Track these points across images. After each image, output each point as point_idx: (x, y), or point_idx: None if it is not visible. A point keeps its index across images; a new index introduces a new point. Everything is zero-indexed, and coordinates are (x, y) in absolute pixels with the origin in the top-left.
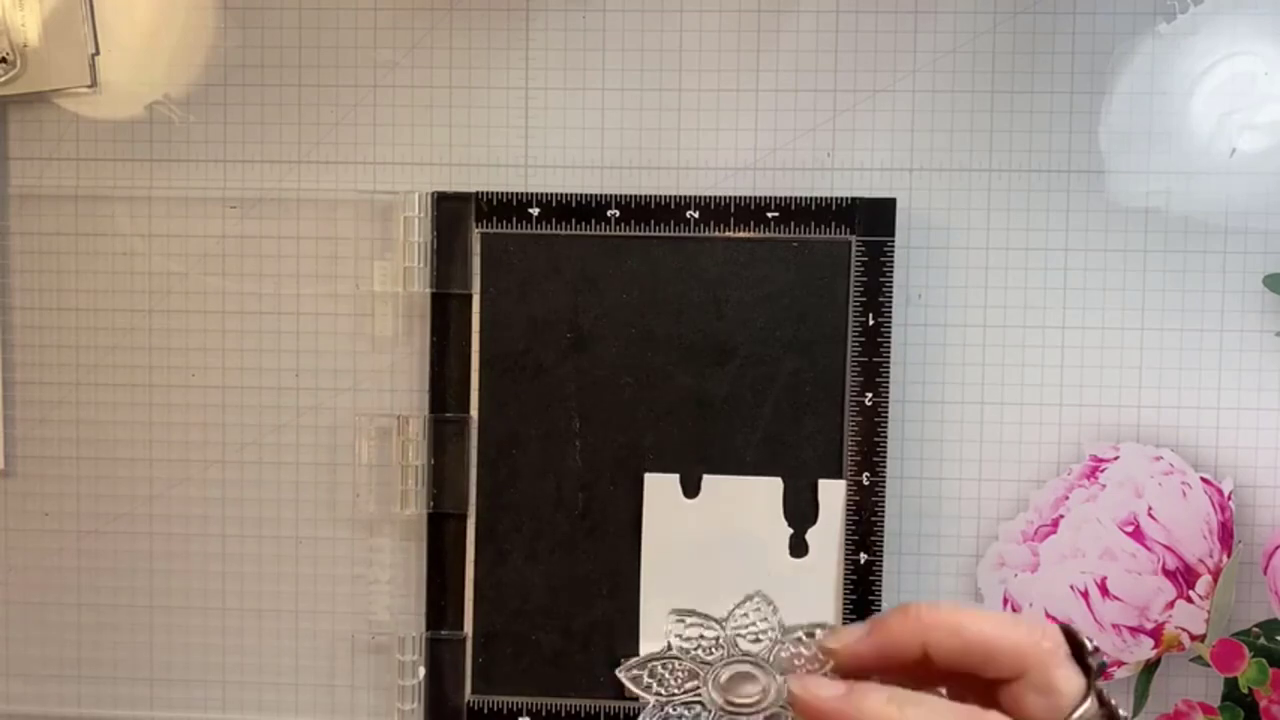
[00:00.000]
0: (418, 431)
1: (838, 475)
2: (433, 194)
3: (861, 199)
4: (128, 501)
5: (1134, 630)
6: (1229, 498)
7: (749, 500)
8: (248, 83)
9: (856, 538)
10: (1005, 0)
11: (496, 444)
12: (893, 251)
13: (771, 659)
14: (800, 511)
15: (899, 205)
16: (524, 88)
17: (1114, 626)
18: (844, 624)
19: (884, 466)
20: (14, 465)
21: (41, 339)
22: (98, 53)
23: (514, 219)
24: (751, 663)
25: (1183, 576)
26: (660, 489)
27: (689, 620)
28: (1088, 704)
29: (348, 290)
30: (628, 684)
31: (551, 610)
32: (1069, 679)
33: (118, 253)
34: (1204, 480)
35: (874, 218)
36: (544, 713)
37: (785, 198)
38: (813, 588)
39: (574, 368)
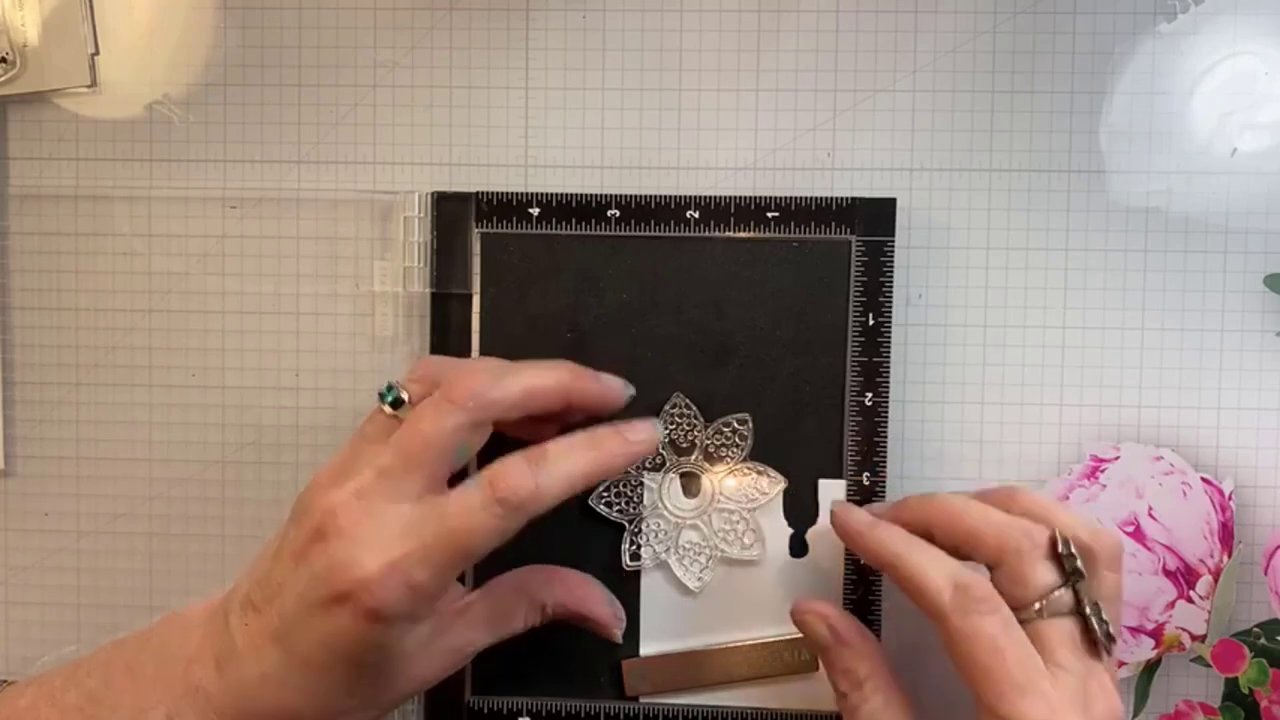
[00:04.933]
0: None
1: (838, 475)
2: (433, 194)
3: (861, 199)
4: (128, 501)
5: (1134, 630)
6: (1229, 498)
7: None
8: (248, 83)
9: None
10: (1005, 0)
11: (497, 443)
12: (893, 251)
13: (702, 455)
14: (800, 511)
15: (899, 205)
16: (524, 88)
17: None
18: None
19: (884, 466)
20: (14, 465)
21: (41, 339)
22: (98, 53)
23: (514, 219)
24: (689, 466)
25: (1183, 577)
26: (660, 488)
27: None
28: (1056, 596)
29: (348, 290)
30: (601, 511)
31: None
32: (1041, 574)
33: (118, 253)
34: (1204, 480)
35: (874, 218)
36: (544, 713)
37: (785, 198)
38: (813, 588)
39: None
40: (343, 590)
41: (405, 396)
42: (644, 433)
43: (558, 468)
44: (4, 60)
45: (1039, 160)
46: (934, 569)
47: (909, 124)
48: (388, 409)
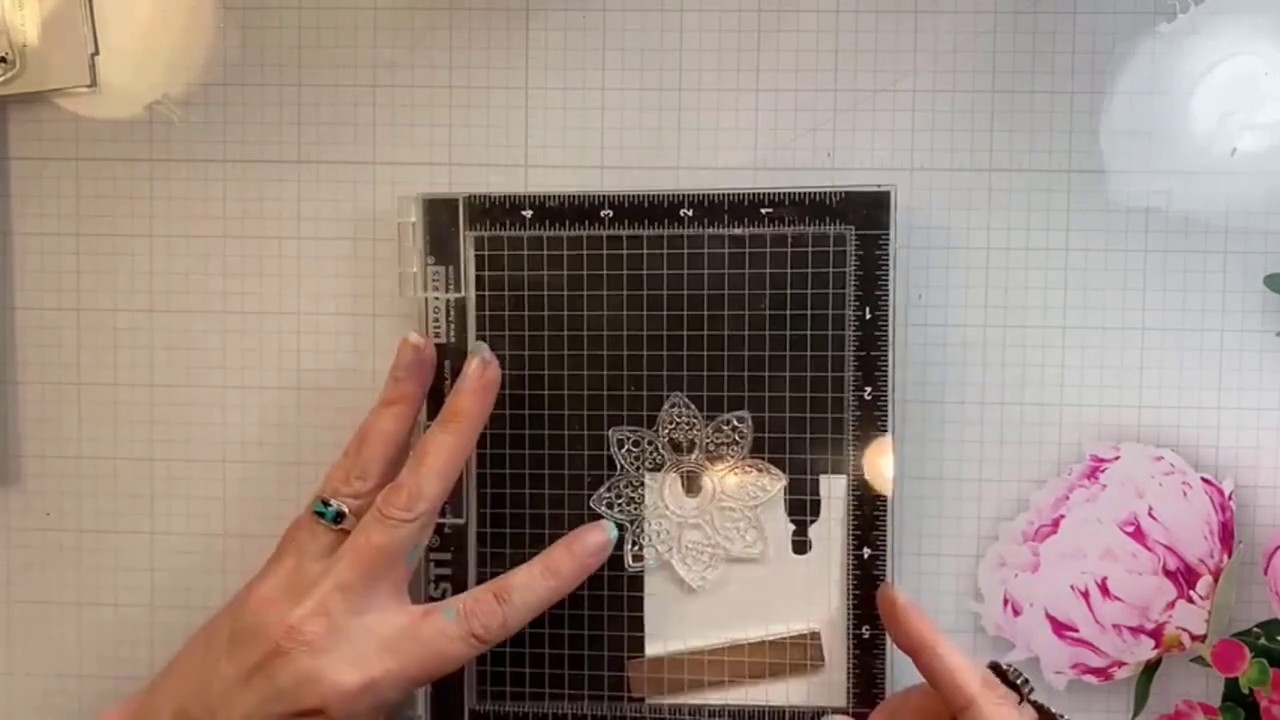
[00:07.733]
0: (417, 434)
1: (839, 471)
2: (422, 198)
3: (856, 192)
4: (128, 501)
5: (1134, 630)
6: (1230, 498)
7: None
8: (248, 83)
9: (859, 532)
10: (1005, 0)
11: (495, 446)
12: (888, 244)
13: (703, 454)
14: (802, 507)
15: (899, 204)
16: (524, 88)
17: (1114, 626)
18: (848, 620)
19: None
20: (16, 466)
21: (41, 339)
22: (98, 53)
23: (507, 221)
24: (690, 465)
25: (1183, 577)
26: (661, 488)
27: (627, 432)
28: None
29: (347, 290)
30: (603, 512)
31: (553, 613)
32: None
33: (118, 253)
34: (1204, 480)
35: (869, 210)
36: (548, 715)
37: (779, 193)
38: (815, 584)
39: (572, 368)
40: (314, 705)
41: (346, 509)
42: (595, 544)
43: (523, 601)
44: (4, 60)
45: (1039, 160)
46: (968, 661)
47: (909, 124)
48: (328, 524)
